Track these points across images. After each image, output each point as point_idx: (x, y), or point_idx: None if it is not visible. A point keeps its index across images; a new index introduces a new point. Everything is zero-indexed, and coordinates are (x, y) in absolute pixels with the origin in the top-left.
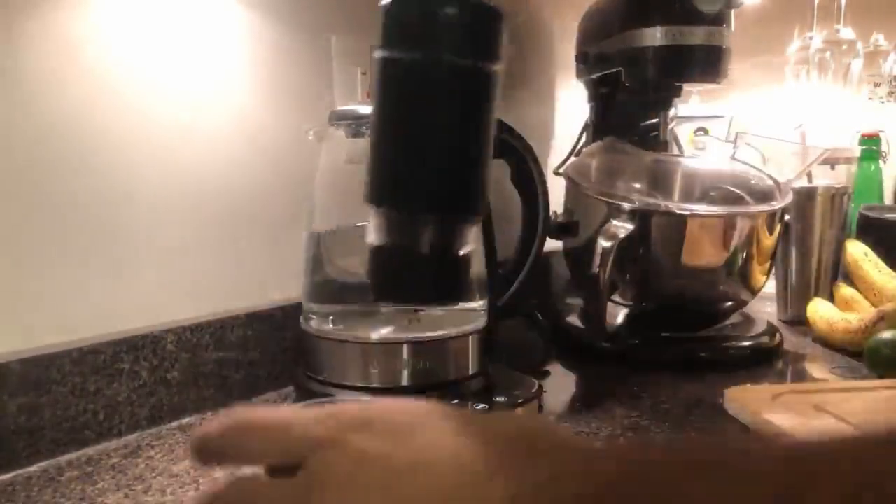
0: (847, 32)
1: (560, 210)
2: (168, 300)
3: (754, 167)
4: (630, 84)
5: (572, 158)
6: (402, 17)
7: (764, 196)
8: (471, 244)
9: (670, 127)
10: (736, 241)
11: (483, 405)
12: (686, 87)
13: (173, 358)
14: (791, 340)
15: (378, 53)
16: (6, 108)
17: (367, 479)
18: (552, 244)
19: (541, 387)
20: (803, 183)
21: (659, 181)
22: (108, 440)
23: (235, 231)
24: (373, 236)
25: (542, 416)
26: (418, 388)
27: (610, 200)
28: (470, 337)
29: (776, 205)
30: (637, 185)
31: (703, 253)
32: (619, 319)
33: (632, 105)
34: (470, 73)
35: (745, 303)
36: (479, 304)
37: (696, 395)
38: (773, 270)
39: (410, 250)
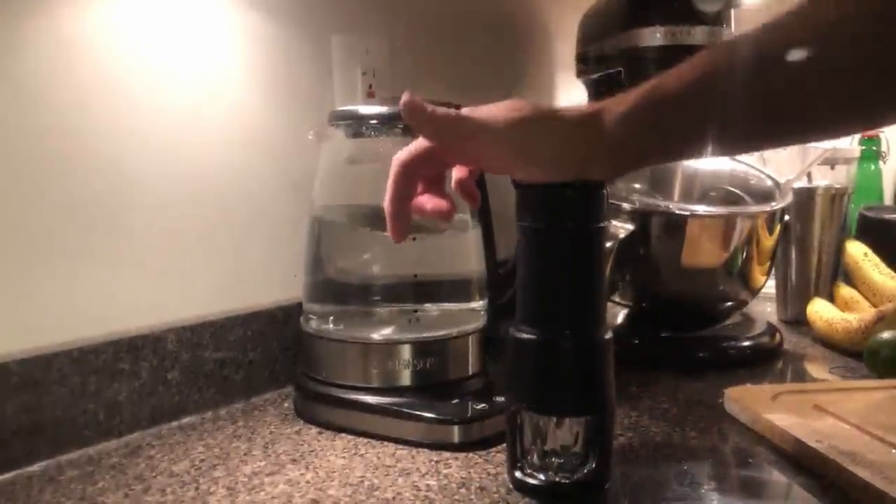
0: None
1: None
2: (168, 300)
3: (754, 167)
4: (630, 84)
5: None
6: (537, 197)
7: (764, 196)
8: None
9: None
10: (736, 241)
11: (482, 405)
12: None
13: (173, 358)
14: (791, 340)
15: (522, 223)
16: (6, 107)
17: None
18: None
19: None
20: (803, 183)
21: (659, 181)
22: (108, 440)
23: (235, 231)
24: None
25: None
26: (418, 388)
27: (610, 200)
28: (470, 337)
29: (776, 205)
30: (637, 185)
31: (703, 253)
32: (619, 319)
33: None
34: (584, 230)
35: (745, 303)
36: (479, 304)
37: (696, 395)
38: (773, 270)
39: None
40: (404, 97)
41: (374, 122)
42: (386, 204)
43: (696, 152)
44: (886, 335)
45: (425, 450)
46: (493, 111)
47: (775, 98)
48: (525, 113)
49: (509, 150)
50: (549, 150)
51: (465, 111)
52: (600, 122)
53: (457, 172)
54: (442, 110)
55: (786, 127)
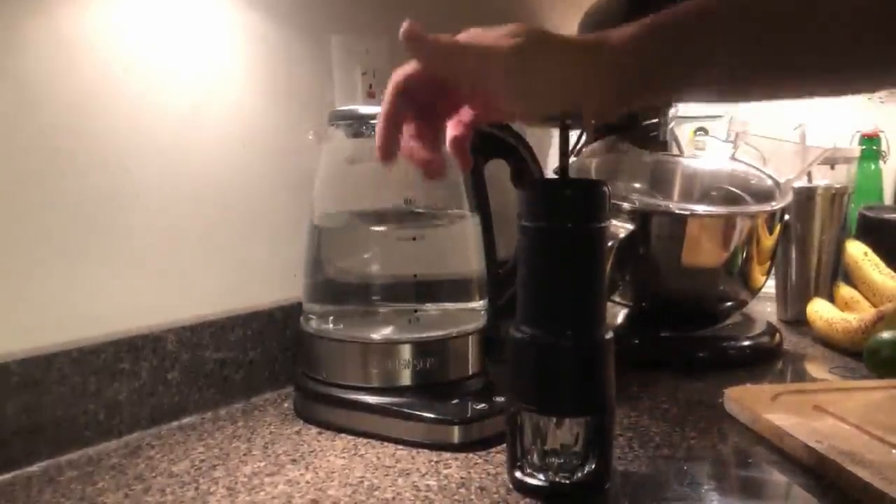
0: None
1: None
2: (168, 300)
3: (754, 167)
4: None
5: (572, 158)
6: (538, 197)
7: (764, 196)
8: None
9: (670, 127)
10: (736, 241)
11: (482, 405)
12: None
13: (173, 358)
14: (791, 340)
15: (523, 222)
16: (6, 107)
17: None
18: None
19: None
20: (803, 183)
21: (659, 181)
22: (108, 440)
23: (235, 231)
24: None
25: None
26: (418, 388)
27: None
28: (470, 337)
29: (776, 205)
30: (637, 185)
31: (703, 253)
32: (619, 319)
33: None
34: (584, 230)
35: (745, 303)
36: (479, 304)
37: (696, 395)
38: (773, 270)
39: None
40: (404, 26)
41: (375, 121)
42: (378, 122)
43: (700, 86)
44: (886, 335)
45: (425, 450)
46: (495, 36)
47: (785, 26)
48: (527, 38)
49: (512, 76)
50: (552, 75)
51: (464, 36)
52: (604, 46)
53: (452, 130)
54: (444, 38)
55: (793, 64)
